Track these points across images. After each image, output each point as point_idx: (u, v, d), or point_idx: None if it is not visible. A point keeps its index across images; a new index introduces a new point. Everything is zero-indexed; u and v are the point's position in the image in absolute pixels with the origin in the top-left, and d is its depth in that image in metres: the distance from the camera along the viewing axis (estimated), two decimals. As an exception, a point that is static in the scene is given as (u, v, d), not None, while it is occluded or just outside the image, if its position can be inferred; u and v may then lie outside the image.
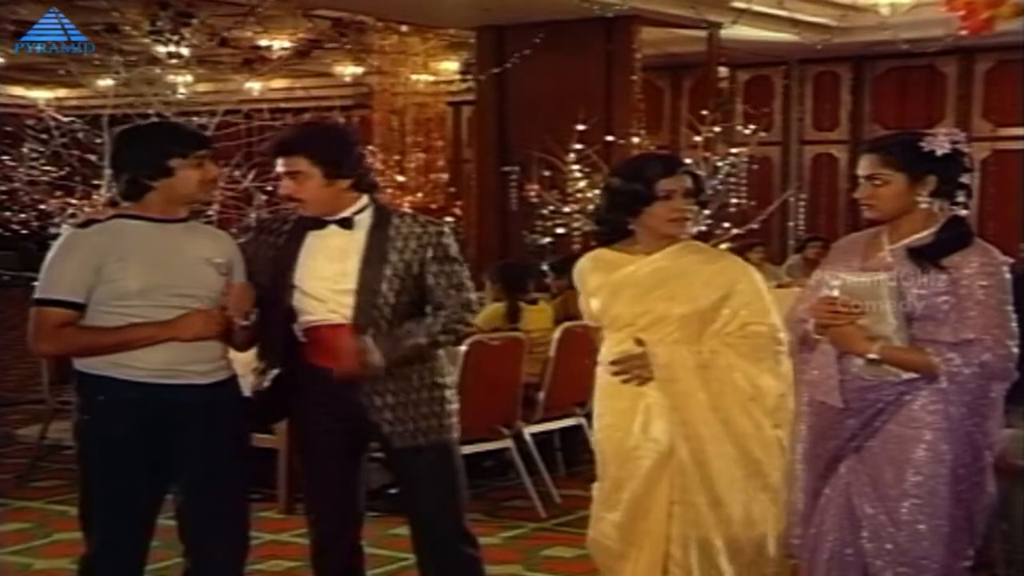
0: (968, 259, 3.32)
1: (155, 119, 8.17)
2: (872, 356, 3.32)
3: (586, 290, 3.93)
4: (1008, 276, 3.37)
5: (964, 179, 3.42)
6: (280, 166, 3.82)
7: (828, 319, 3.36)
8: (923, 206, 3.39)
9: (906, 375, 3.33)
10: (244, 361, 3.95)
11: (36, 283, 3.62)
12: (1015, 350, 3.31)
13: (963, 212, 3.42)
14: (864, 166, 3.45)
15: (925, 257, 3.33)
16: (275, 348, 3.89)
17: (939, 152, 3.37)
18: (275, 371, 3.89)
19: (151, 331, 3.56)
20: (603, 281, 3.87)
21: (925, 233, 3.39)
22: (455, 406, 3.98)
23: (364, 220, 3.86)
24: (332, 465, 3.96)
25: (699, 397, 3.72)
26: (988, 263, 3.33)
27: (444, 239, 3.90)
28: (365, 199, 3.88)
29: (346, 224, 3.84)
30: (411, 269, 3.83)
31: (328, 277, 3.83)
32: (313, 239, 3.84)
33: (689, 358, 3.72)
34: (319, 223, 3.84)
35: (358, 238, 3.84)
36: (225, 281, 3.68)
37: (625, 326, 3.81)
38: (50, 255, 3.64)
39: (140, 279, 3.54)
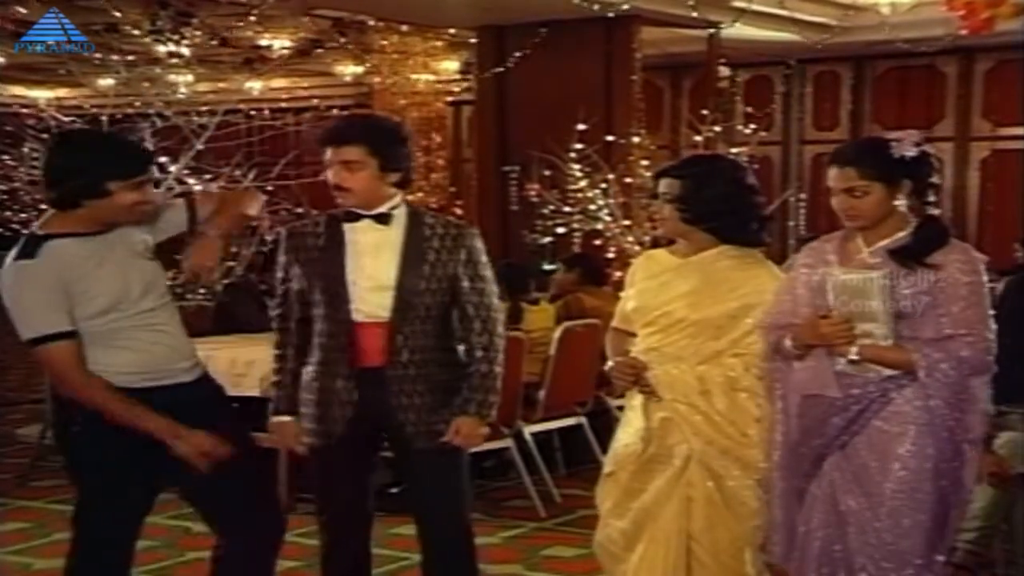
0: (950, 257, 3.38)
1: (155, 119, 8.18)
2: (853, 356, 3.35)
3: (631, 283, 3.97)
4: (985, 274, 3.42)
5: (934, 179, 3.50)
6: (332, 154, 3.79)
7: (831, 336, 3.35)
8: (901, 209, 3.45)
9: (887, 372, 3.36)
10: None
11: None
12: (994, 345, 3.35)
13: (935, 211, 3.48)
14: (839, 179, 3.47)
15: (909, 257, 3.37)
16: (341, 348, 3.85)
17: (908, 156, 3.42)
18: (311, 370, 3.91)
19: (159, 427, 3.48)
20: (646, 279, 3.90)
21: (902, 234, 3.44)
22: None
23: (399, 217, 3.87)
24: (346, 466, 3.96)
25: (701, 419, 3.73)
26: (969, 260, 3.40)
27: (476, 242, 3.95)
28: (399, 196, 3.90)
29: (383, 219, 3.84)
30: (447, 269, 3.86)
31: (358, 273, 3.84)
32: (348, 233, 3.86)
33: (694, 384, 3.73)
34: (353, 216, 3.85)
35: (393, 235, 3.85)
36: (155, 264, 3.63)
37: (647, 324, 3.83)
38: (11, 298, 3.45)
39: (105, 295, 3.48)
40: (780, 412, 3.54)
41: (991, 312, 3.38)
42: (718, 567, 3.75)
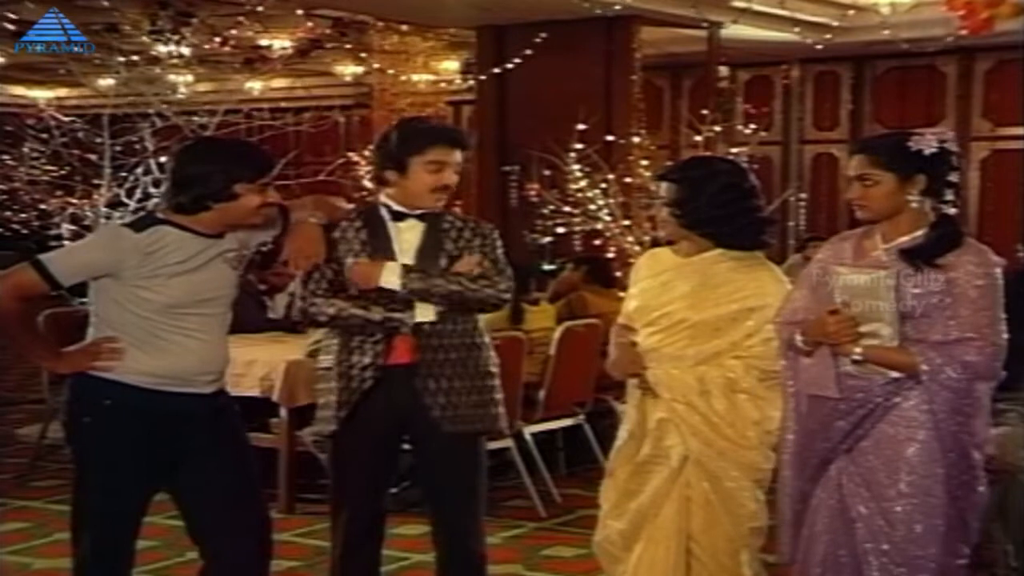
0: (962, 259, 3.33)
1: (155, 119, 8.18)
2: (856, 356, 3.34)
3: (634, 281, 3.98)
4: (1000, 277, 3.38)
5: (952, 178, 3.42)
6: (452, 155, 3.90)
7: (836, 335, 3.35)
8: (914, 205, 3.40)
9: (893, 374, 3.34)
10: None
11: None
12: (1003, 351, 3.32)
13: (952, 211, 3.43)
14: (854, 166, 3.46)
15: (919, 257, 3.34)
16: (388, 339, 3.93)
17: (927, 151, 3.38)
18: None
19: (44, 357, 3.86)
20: (648, 279, 3.91)
21: (918, 233, 3.40)
22: (501, 396, 4.05)
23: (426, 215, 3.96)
24: (369, 463, 4.00)
25: (700, 420, 3.73)
26: (982, 263, 3.34)
27: (494, 235, 4.01)
28: None
29: (424, 218, 3.93)
30: (462, 259, 3.92)
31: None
32: (393, 231, 3.93)
33: (693, 385, 3.73)
34: (399, 216, 3.93)
35: (421, 232, 3.94)
36: (235, 274, 3.71)
37: (648, 324, 3.83)
38: (88, 238, 3.81)
39: (169, 297, 3.55)
40: (792, 410, 3.53)
41: (1003, 316, 3.34)
42: (716, 567, 3.76)
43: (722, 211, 3.77)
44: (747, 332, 3.72)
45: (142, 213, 3.78)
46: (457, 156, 3.91)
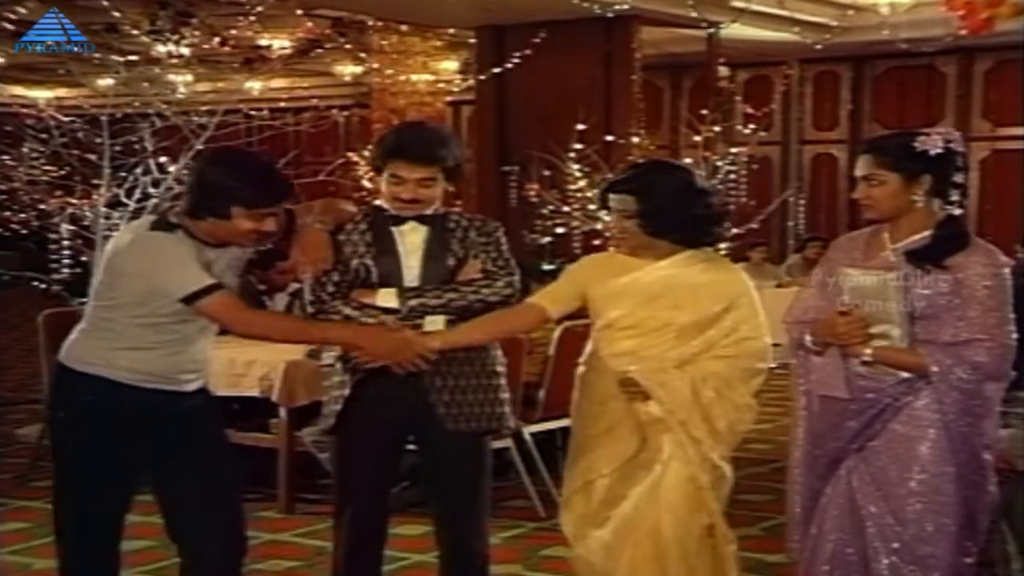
0: (971, 259, 3.33)
1: (155, 119, 8.17)
2: (866, 357, 3.34)
3: (588, 279, 3.90)
4: (1009, 278, 3.37)
5: (958, 178, 3.42)
6: (407, 170, 3.84)
7: (846, 336, 3.35)
8: (920, 205, 3.40)
9: (903, 375, 3.34)
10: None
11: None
12: (1012, 351, 3.32)
13: (957, 211, 3.43)
14: (860, 166, 3.47)
15: (924, 259, 3.34)
16: None
17: (932, 152, 3.38)
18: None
19: (341, 336, 3.84)
20: (607, 281, 3.85)
21: (925, 233, 3.40)
22: (507, 395, 4.04)
23: (432, 215, 3.96)
24: (375, 463, 3.99)
25: (687, 419, 3.72)
26: (991, 264, 3.34)
27: (499, 233, 4.01)
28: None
29: (426, 220, 3.92)
30: (468, 256, 3.93)
31: (408, 273, 3.93)
32: (396, 235, 3.93)
33: (685, 386, 3.72)
34: (398, 219, 3.92)
35: (424, 234, 3.93)
36: (239, 281, 3.71)
37: (627, 328, 3.81)
38: (156, 261, 3.50)
39: (174, 304, 3.52)
40: (803, 408, 3.54)
41: (1012, 316, 3.33)
42: (681, 552, 3.74)
43: (687, 212, 3.77)
44: (725, 331, 3.74)
45: (155, 216, 3.73)
46: (419, 172, 3.83)
